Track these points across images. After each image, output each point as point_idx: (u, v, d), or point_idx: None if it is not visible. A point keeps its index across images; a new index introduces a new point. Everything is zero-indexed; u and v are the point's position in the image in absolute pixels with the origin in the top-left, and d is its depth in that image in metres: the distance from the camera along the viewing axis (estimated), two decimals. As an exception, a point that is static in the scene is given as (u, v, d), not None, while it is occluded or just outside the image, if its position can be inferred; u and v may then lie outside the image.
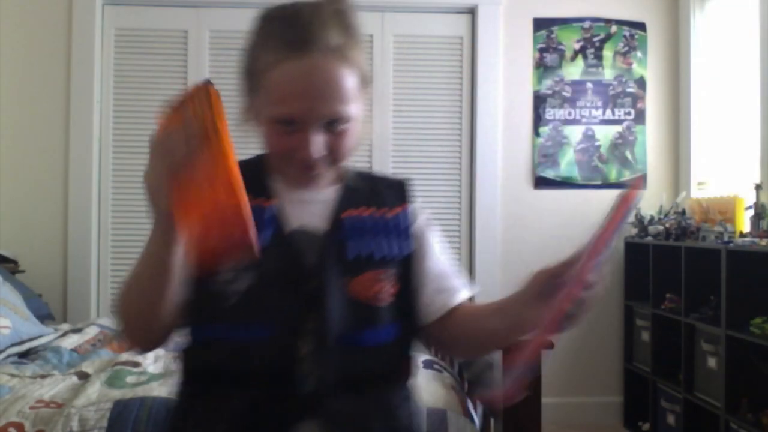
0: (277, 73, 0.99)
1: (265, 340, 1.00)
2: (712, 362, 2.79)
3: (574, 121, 3.66)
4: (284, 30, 1.00)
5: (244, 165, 1.10)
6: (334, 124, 1.00)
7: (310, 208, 1.08)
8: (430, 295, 1.11)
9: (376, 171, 1.19)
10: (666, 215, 3.36)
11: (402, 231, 1.10)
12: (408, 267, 1.10)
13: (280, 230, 1.04)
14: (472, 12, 3.62)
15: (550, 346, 1.58)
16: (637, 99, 3.69)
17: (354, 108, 1.03)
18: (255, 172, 1.07)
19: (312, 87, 0.99)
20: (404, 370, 1.12)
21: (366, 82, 1.07)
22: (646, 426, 3.37)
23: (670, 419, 3.12)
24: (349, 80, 1.02)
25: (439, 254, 1.15)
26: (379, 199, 1.12)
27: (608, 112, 3.68)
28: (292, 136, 1.00)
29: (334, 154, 1.02)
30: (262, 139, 1.05)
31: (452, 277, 1.14)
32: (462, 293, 1.14)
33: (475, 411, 1.89)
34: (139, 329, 1.01)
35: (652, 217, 3.45)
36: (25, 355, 2.38)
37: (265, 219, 1.03)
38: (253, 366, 1.00)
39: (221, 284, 0.99)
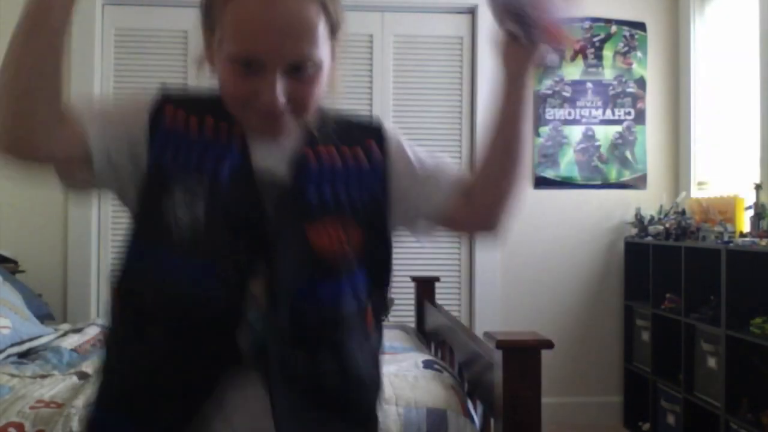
0: (236, 5, 0.88)
1: (209, 281, 0.91)
2: (712, 362, 2.79)
3: (574, 121, 3.66)
4: None
5: (205, 98, 1.00)
6: (299, 70, 0.90)
7: (273, 149, 0.98)
8: (433, 197, 1.03)
9: (348, 112, 1.07)
10: (666, 215, 3.36)
11: (371, 170, 1.00)
12: (380, 209, 1.01)
13: (242, 165, 0.95)
14: (472, 12, 3.62)
15: (550, 345, 1.57)
16: (637, 99, 3.69)
17: (322, 53, 0.92)
18: (218, 103, 0.96)
19: (276, 23, 0.88)
20: (368, 320, 1.03)
21: (336, 29, 0.95)
22: (646, 426, 3.37)
23: (670, 419, 3.12)
24: (318, 20, 0.90)
25: (417, 161, 1.05)
26: (348, 137, 1.01)
27: (608, 112, 3.68)
28: (251, 79, 0.89)
29: (298, 104, 0.92)
30: (218, 82, 0.94)
31: (441, 170, 1.06)
32: (454, 173, 1.06)
33: (475, 411, 1.89)
34: (12, 113, 0.86)
35: (652, 217, 3.45)
36: (25, 355, 2.38)
37: (228, 151, 0.95)
38: (192, 307, 0.91)
39: (172, 212, 0.91)
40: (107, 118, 0.95)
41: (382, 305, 1.06)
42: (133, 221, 0.97)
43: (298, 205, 0.95)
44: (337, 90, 1.00)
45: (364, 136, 1.03)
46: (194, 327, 0.91)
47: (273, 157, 0.97)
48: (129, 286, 0.96)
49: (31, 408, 1.76)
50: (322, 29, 0.91)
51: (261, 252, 0.92)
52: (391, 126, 1.08)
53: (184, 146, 0.94)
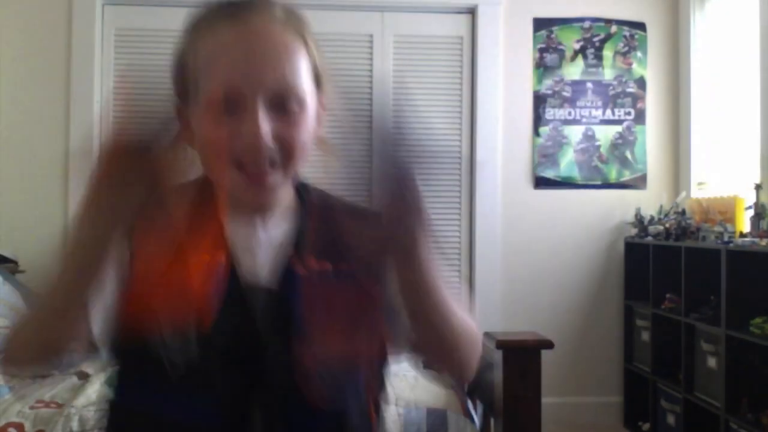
0: (207, 44, 0.83)
1: (207, 415, 0.84)
2: (712, 362, 2.79)
3: (574, 121, 3.66)
4: (218, 7, 0.85)
5: (188, 189, 0.89)
6: (282, 106, 0.82)
7: (261, 249, 0.89)
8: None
9: (339, 197, 0.94)
10: (666, 215, 3.36)
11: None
12: (375, 309, 0.93)
13: (231, 288, 0.86)
14: (472, 12, 3.62)
15: (550, 345, 1.58)
16: (637, 99, 3.69)
17: (305, 89, 0.84)
18: (200, 200, 0.88)
19: (254, 49, 0.80)
20: (370, 413, 0.96)
21: (319, 76, 0.88)
22: (646, 426, 3.37)
23: (670, 419, 3.12)
24: (299, 52, 0.84)
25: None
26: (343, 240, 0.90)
27: (608, 112, 3.68)
28: (232, 121, 0.81)
29: (286, 148, 0.83)
30: (198, 148, 0.85)
31: None
32: None
33: (475, 411, 1.89)
34: (28, 356, 0.85)
35: (652, 217, 3.45)
36: (25, 355, 2.38)
37: (213, 275, 0.85)
38: None
39: (164, 353, 0.83)
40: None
41: (382, 390, 1.00)
42: (116, 354, 0.90)
43: (292, 326, 0.86)
44: (330, 152, 0.90)
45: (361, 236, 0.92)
46: None
47: (260, 260, 0.88)
48: (121, 425, 0.91)
49: (31, 408, 1.76)
50: (304, 64, 0.85)
51: (260, 381, 0.86)
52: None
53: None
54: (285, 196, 0.91)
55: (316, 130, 0.89)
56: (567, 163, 3.65)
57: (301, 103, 0.83)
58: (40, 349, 0.83)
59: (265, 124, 0.80)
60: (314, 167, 0.92)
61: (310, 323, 0.86)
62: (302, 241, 0.90)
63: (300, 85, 0.83)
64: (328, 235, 0.89)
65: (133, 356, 0.87)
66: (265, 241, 0.89)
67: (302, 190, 0.95)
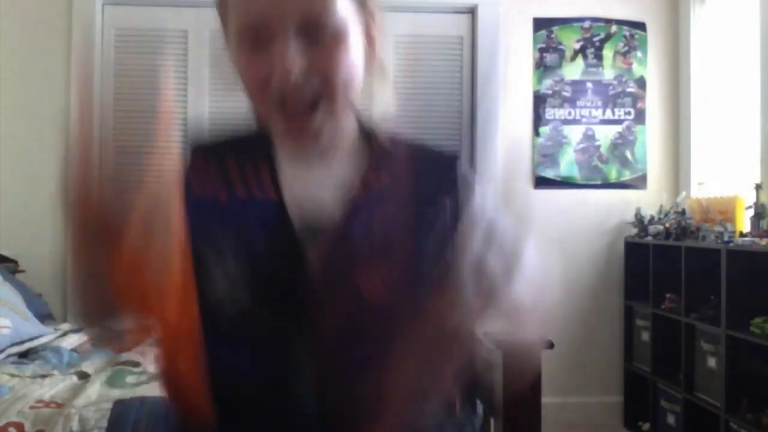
0: None
1: (253, 362, 0.80)
2: (712, 362, 2.79)
3: (574, 121, 3.66)
4: None
5: (241, 138, 0.88)
6: (315, 32, 0.75)
7: (317, 174, 0.82)
8: None
9: (409, 136, 0.88)
10: (666, 215, 3.35)
11: (440, 227, 0.82)
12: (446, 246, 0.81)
13: (279, 230, 0.80)
14: (472, 12, 3.62)
15: (550, 345, 1.58)
16: (637, 99, 3.69)
17: (341, 12, 0.77)
18: (254, 143, 0.85)
19: None
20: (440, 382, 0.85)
21: (363, 3, 0.81)
22: (646, 426, 3.37)
23: (670, 419, 3.12)
24: None
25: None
26: (414, 182, 0.82)
27: (608, 112, 3.68)
28: (263, 55, 0.75)
29: (327, 83, 0.76)
30: (242, 87, 0.81)
31: None
32: None
33: (475, 411, 1.89)
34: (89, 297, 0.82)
35: (652, 217, 3.45)
36: (25, 355, 2.38)
37: (261, 216, 0.81)
38: (246, 396, 0.80)
39: (213, 302, 0.79)
40: None
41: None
42: None
43: (344, 247, 0.79)
44: (381, 74, 0.85)
45: (435, 182, 0.84)
46: (246, 413, 0.80)
47: (316, 185, 0.82)
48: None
49: (31, 408, 1.76)
50: None
51: (305, 311, 0.79)
52: (469, 174, 0.89)
53: (212, 216, 0.81)
54: (346, 133, 0.85)
55: (368, 56, 0.83)
56: (567, 163, 3.65)
57: (337, 30, 0.77)
58: (99, 308, 0.81)
59: (296, 58, 0.74)
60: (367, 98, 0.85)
61: (369, 245, 0.79)
62: (366, 176, 0.83)
63: (333, 10, 0.76)
64: (394, 169, 0.84)
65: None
66: (325, 182, 0.83)
67: (367, 125, 0.89)
